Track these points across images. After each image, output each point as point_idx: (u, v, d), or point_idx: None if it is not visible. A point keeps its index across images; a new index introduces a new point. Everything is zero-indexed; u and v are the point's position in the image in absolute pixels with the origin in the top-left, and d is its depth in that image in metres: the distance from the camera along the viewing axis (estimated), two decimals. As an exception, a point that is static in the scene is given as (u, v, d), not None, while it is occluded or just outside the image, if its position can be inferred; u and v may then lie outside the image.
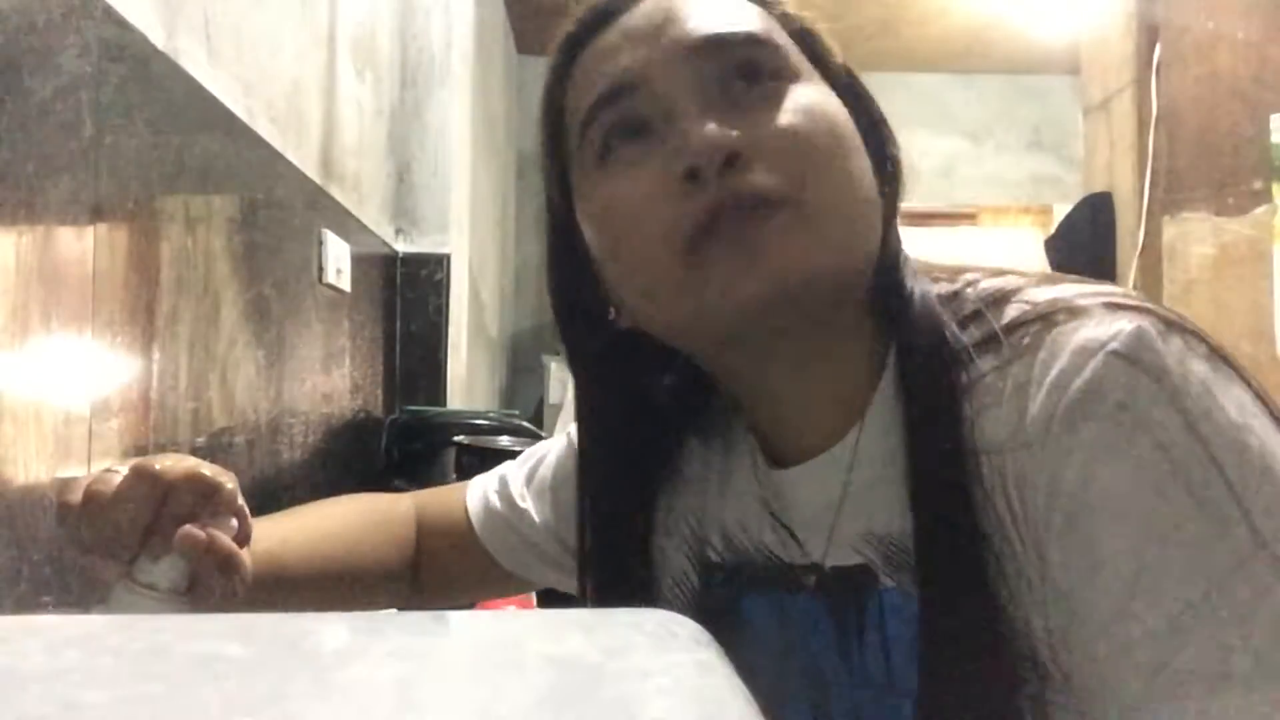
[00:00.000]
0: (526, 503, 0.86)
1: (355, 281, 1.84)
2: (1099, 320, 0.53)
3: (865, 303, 0.63)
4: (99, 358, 0.92)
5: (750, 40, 0.59)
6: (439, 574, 0.90)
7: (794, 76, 0.59)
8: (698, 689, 0.32)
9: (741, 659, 0.68)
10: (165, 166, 1.05)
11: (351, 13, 1.86)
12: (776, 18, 0.63)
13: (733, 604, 0.68)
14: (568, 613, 0.41)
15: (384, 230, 2.18)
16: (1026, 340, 0.55)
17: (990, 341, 0.57)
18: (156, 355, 1.04)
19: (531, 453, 0.90)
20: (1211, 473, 0.48)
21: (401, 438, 2.06)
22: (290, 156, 1.48)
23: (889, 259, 0.63)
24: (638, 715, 0.30)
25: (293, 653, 0.36)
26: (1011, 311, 0.57)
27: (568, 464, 0.84)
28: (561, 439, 0.87)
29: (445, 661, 0.37)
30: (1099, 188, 2.51)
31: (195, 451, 1.15)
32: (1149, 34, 2.33)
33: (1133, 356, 0.50)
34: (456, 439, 1.89)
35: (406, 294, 2.28)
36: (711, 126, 0.55)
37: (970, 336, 0.58)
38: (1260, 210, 2.08)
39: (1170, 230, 2.25)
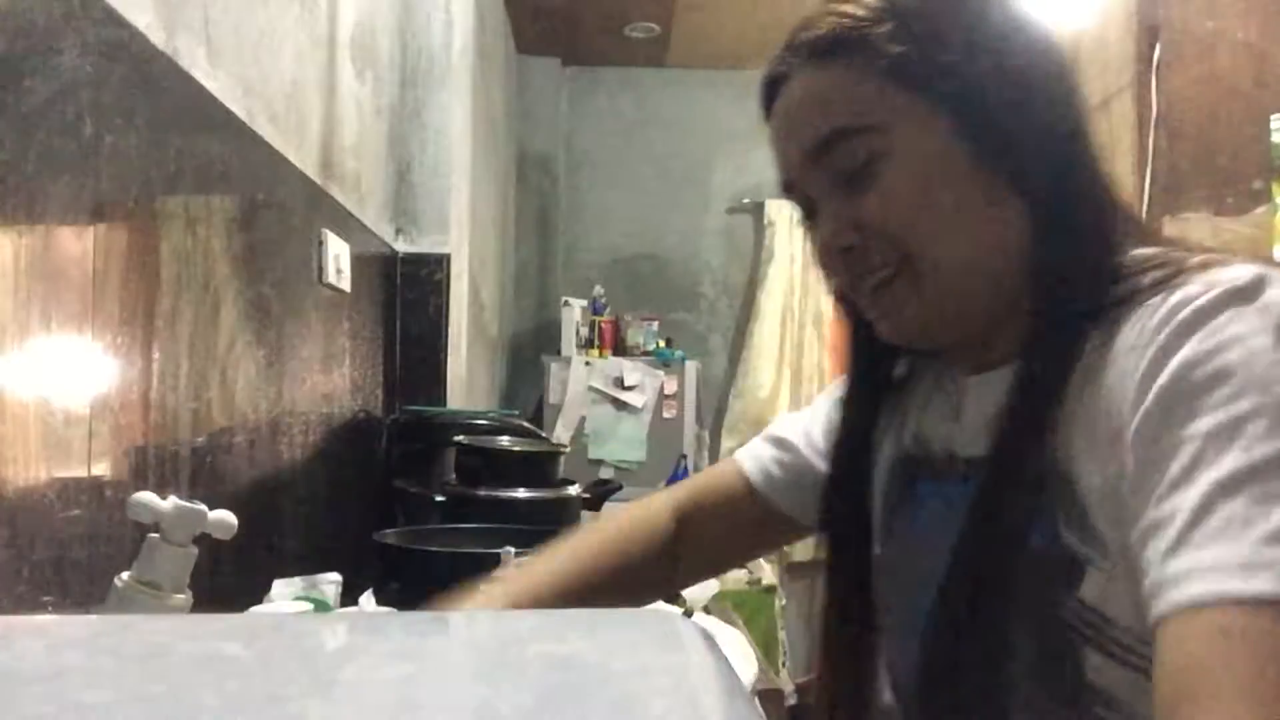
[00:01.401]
0: (801, 442, 0.94)
1: (355, 281, 1.84)
2: (1225, 267, 0.61)
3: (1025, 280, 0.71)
4: (99, 358, 0.92)
5: (841, 135, 0.71)
6: (709, 549, 0.97)
7: (886, 153, 0.69)
8: (698, 689, 0.32)
9: (913, 533, 0.78)
10: (165, 166, 1.05)
11: (351, 13, 1.86)
12: (869, 69, 0.70)
13: (911, 486, 0.80)
14: (568, 613, 0.41)
15: (384, 230, 2.18)
16: (1158, 288, 0.64)
17: (1132, 296, 0.65)
18: (156, 355, 1.04)
19: (795, 415, 1.00)
20: None
21: (401, 438, 2.06)
22: (290, 157, 1.48)
23: (1053, 250, 0.70)
24: (638, 715, 0.30)
25: (293, 653, 0.36)
26: (1159, 270, 0.66)
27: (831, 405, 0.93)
28: (823, 399, 0.97)
29: (445, 661, 0.37)
30: (1099, 188, 2.50)
31: (195, 452, 1.15)
32: (1149, 34, 2.33)
33: (1242, 292, 0.58)
34: (456, 439, 1.88)
35: (406, 294, 2.28)
36: (829, 228, 0.72)
37: (1115, 295, 0.67)
38: (1260, 210, 2.08)
39: (1170, 230, 2.25)
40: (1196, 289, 0.59)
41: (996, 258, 0.70)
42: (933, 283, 0.69)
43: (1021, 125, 0.69)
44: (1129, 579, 0.58)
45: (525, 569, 0.90)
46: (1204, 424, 0.54)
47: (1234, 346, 0.56)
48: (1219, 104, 2.18)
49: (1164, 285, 0.63)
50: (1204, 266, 0.62)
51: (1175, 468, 0.55)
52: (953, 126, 0.69)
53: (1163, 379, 0.57)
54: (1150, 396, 0.58)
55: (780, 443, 0.95)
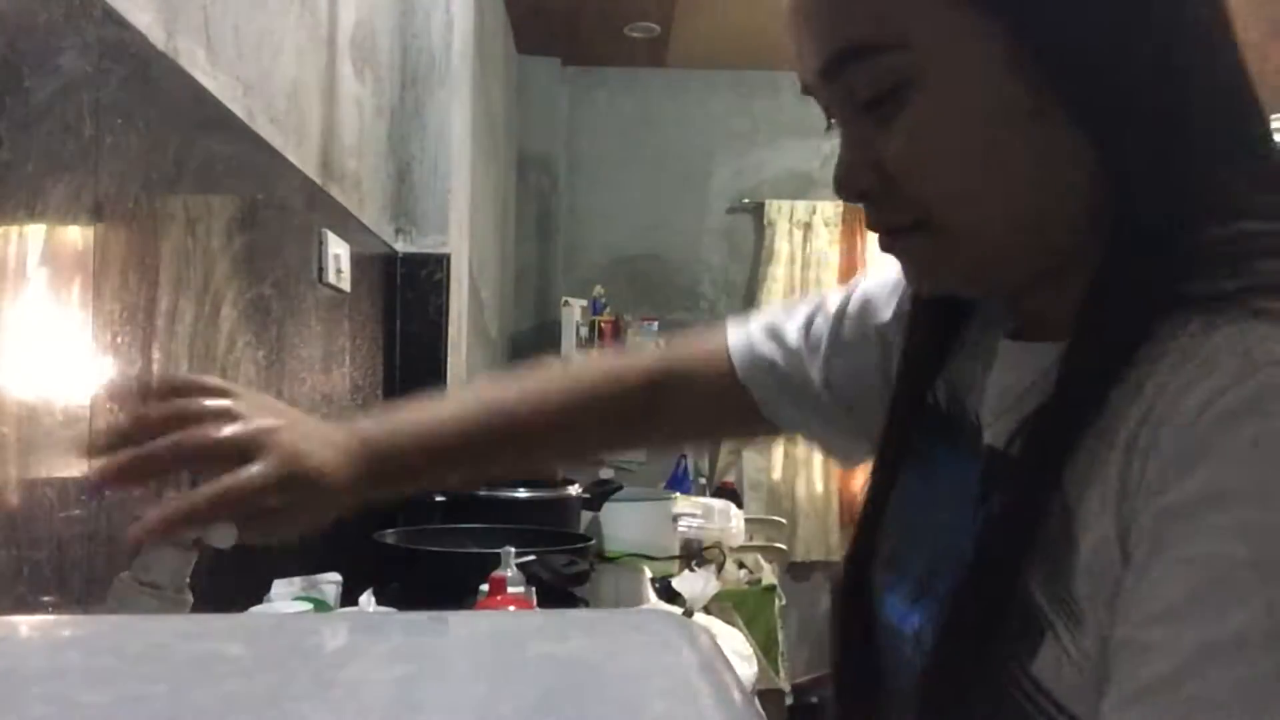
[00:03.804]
0: (799, 342, 0.82)
1: (355, 281, 1.84)
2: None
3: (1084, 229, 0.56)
4: (99, 357, 0.92)
5: (859, 52, 0.55)
6: (683, 418, 0.88)
7: (917, 80, 0.54)
8: (698, 689, 0.32)
9: (914, 499, 0.67)
10: (165, 166, 1.05)
11: (351, 13, 1.85)
12: None
13: (930, 449, 0.68)
14: (568, 613, 0.41)
15: (384, 230, 2.18)
16: (1199, 330, 0.49)
17: (1205, 304, 0.49)
18: (156, 355, 1.04)
19: (801, 303, 0.85)
20: None
21: (401, 438, 2.05)
22: (290, 156, 1.48)
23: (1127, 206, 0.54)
24: (638, 715, 0.30)
25: (293, 653, 0.36)
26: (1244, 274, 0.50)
27: (859, 316, 0.79)
28: (836, 296, 0.83)
29: (445, 661, 0.37)
30: (1099, 188, 2.50)
31: (195, 451, 1.15)
32: (1149, 34, 2.33)
33: None
34: (456, 439, 1.88)
35: (406, 294, 2.28)
36: (843, 165, 0.58)
37: (1211, 287, 0.50)
38: (1260, 210, 2.08)
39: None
40: (1228, 366, 0.46)
41: (1050, 210, 0.55)
42: (957, 244, 0.56)
43: (1102, 37, 0.52)
44: (1096, 677, 0.48)
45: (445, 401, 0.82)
46: (1224, 550, 0.44)
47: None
48: (1219, 104, 2.18)
49: (1230, 307, 0.48)
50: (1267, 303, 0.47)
51: (1179, 590, 0.45)
52: (1008, 48, 0.52)
53: (1192, 480, 0.45)
54: (1172, 486, 0.46)
55: (775, 336, 0.83)
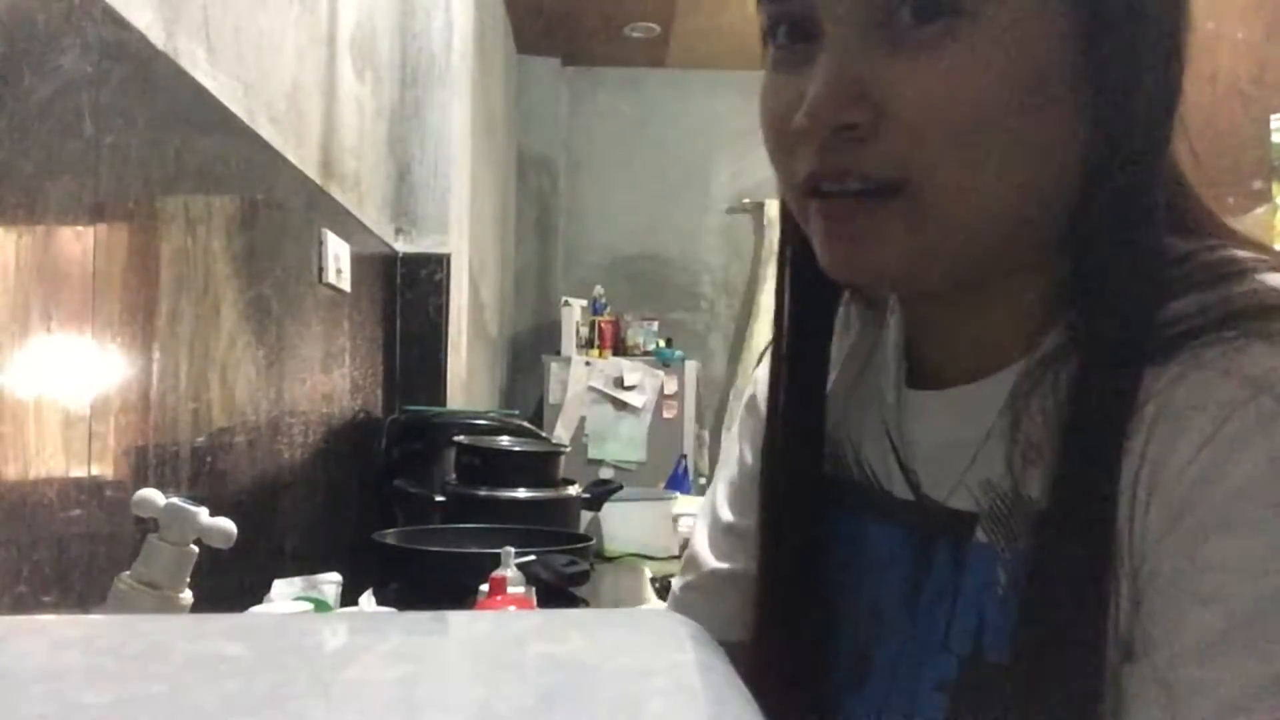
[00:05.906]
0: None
1: (355, 281, 1.84)
2: None
3: (1051, 238, 0.53)
4: (99, 358, 0.92)
5: None
6: None
7: (978, 13, 0.47)
8: (698, 689, 0.32)
9: (813, 569, 0.61)
10: (165, 166, 1.05)
11: (351, 13, 1.85)
12: None
13: (817, 515, 0.62)
14: (568, 613, 0.41)
15: (384, 230, 2.18)
16: (1213, 345, 0.47)
17: (1194, 332, 0.48)
18: (156, 355, 1.04)
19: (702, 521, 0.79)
20: None
21: (401, 438, 2.06)
22: (290, 156, 1.48)
23: (1102, 206, 0.51)
24: (638, 715, 0.30)
25: (293, 653, 0.36)
26: (1229, 296, 0.48)
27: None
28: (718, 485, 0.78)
29: (445, 661, 0.37)
30: (1099, 188, 2.51)
31: (195, 452, 1.15)
32: (1149, 34, 2.33)
33: None
34: (456, 439, 1.89)
35: (406, 294, 2.28)
36: (828, 89, 0.48)
37: (1181, 323, 0.48)
38: (1260, 210, 2.09)
39: (1170, 230, 2.25)
40: (1242, 387, 0.44)
41: (1030, 212, 0.51)
42: (942, 212, 0.49)
43: (1139, 33, 0.50)
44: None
45: None
46: (1259, 583, 0.43)
47: None
48: (1219, 104, 2.18)
49: (1218, 327, 0.47)
50: (1263, 313, 0.46)
51: (1216, 627, 0.43)
52: (1068, 18, 0.49)
53: (1208, 509, 0.44)
54: (1184, 519, 0.45)
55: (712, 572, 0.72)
